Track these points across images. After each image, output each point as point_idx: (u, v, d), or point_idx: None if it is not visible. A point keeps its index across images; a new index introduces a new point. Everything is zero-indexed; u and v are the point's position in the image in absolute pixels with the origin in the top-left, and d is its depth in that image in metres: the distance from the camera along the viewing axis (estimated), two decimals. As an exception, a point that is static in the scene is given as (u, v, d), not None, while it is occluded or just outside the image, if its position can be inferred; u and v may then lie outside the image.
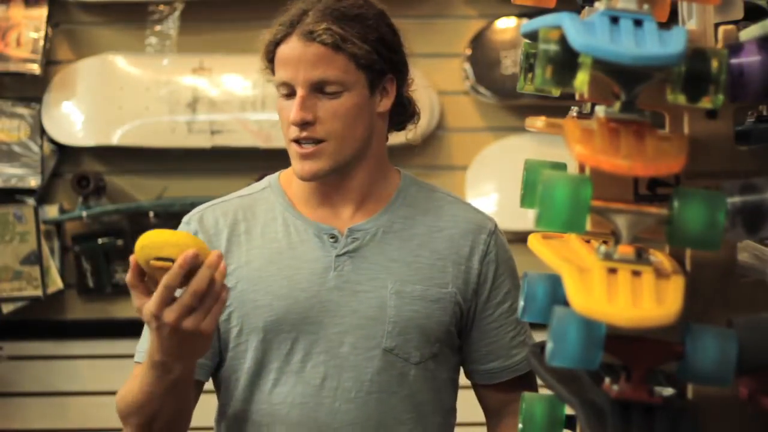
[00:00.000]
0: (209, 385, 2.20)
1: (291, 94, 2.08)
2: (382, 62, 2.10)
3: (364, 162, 2.14)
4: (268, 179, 2.23)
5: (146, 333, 2.16)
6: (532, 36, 1.62)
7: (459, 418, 2.25)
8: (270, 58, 2.11)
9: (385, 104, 2.14)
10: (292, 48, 2.07)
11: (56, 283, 4.06)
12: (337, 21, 2.06)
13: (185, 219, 2.21)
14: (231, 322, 2.13)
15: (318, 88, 2.06)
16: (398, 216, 2.16)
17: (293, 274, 2.12)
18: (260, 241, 2.15)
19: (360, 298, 2.11)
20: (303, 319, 2.10)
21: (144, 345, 2.15)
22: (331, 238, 2.13)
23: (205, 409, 2.20)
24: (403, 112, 2.20)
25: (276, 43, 2.09)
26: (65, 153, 4.11)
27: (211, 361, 2.16)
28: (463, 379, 2.25)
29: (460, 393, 2.24)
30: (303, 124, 2.06)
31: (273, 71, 2.12)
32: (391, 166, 2.21)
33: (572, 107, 1.99)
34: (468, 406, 2.30)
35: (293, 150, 2.09)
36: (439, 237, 2.16)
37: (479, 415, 2.29)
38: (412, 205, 2.18)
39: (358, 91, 2.09)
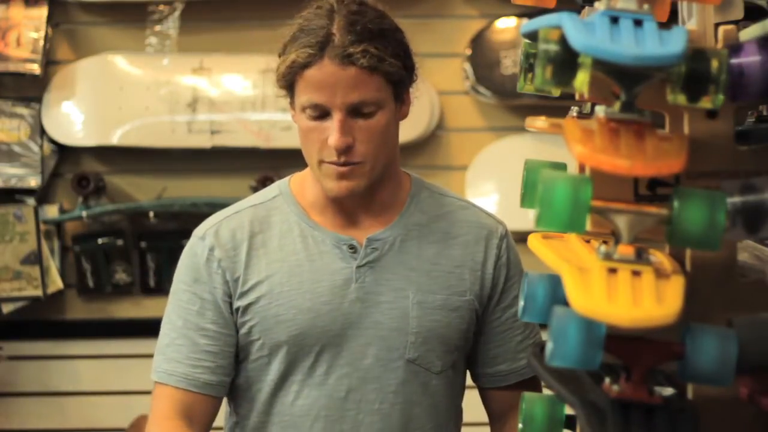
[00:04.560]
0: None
1: (320, 116, 2.03)
2: (407, 75, 2.08)
3: (388, 172, 2.11)
4: (278, 186, 2.19)
5: (164, 349, 2.15)
6: (532, 36, 1.62)
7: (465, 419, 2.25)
8: (289, 81, 2.05)
9: (404, 112, 2.11)
10: (326, 72, 2.00)
11: (56, 283, 4.06)
12: (371, 40, 2.00)
13: (199, 234, 2.15)
14: (252, 335, 2.11)
15: (354, 111, 2.02)
16: (413, 223, 2.14)
17: (315, 287, 2.10)
18: (279, 254, 2.12)
19: (382, 309, 2.10)
20: (326, 332, 2.09)
21: (163, 365, 2.14)
22: (351, 248, 2.11)
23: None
24: None
25: (303, 66, 2.02)
26: (65, 153, 4.11)
27: (229, 377, 2.15)
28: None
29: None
30: (345, 149, 2.01)
31: (287, 87, 2.06)
32: (402, 170, 2.19)
33: (572, 107, 1.99)
34: (470, 407, 2.30)
35: (327, 170, 2.04)
36: (454, 244, 2.15)
37: (480, 416, 2.29)
38: (425, 212, 2.16)
39: (388, 107, 2.05)
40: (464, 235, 2.16)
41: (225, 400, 2.21)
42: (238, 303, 2.11)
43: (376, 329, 2.09)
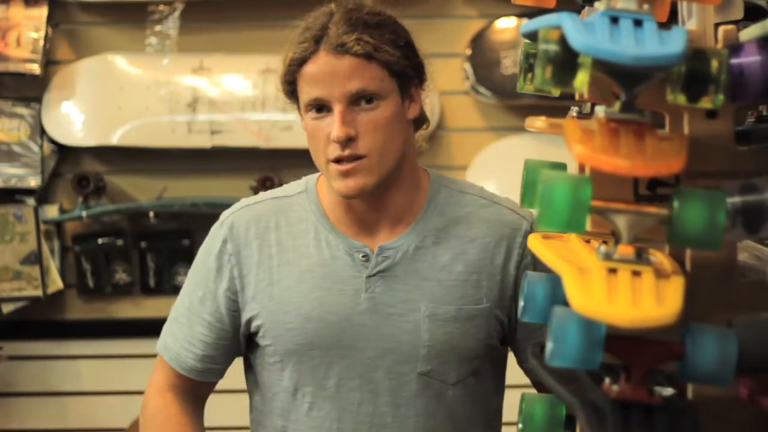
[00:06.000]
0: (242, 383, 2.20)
1: (323, 112, 1.99)
2: (411, 67, 2.03)
3: (401, 174, 2.05)
4: (306, 181, 2.14)
5: (171, 321, 2.18)
6: (532, 36, 1.62)
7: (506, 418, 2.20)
8: (290, 80, 2.02)
9: (413, 110, 2.06)
10: (322, 64, 1.97)
11: (56, 283, 4.06)
12: (364, 30, 1.98)
13: (222, 218, 2.13)
14: (264, 339, 2.09)
15: (355, 101, 1.98)
16: (429, 229, 2.08)
17: (324, 296, 2.05)
18: (291, 255, 2.08)
19: (393, 321, 2.04)
20: (335, 342, 2.05)
21: (165, 336, 2.17)
22: (363, 257, 2.05)
23: (236, 407, 2.19)
24: (421, 118, 2.11)
25: (300, 62, 2.00)
26: (65, 153, 4.11)
27: (219, 365, 2.16)
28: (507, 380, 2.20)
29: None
30: (346, 141, 1.96)
31: (291, 93, 2.04)
32: (421, 170, 2.12)
33: (572, 107, 1.99)
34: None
35: (333, 170, 1.99)
36: (472, 247, 2.08)
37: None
38: (443, 214, 2.09)
39: (392, 99, 2.00)
40: (483, 237, 2.09)
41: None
42: (252, 304, 2.09)
43: (386, 342, 2.05)
